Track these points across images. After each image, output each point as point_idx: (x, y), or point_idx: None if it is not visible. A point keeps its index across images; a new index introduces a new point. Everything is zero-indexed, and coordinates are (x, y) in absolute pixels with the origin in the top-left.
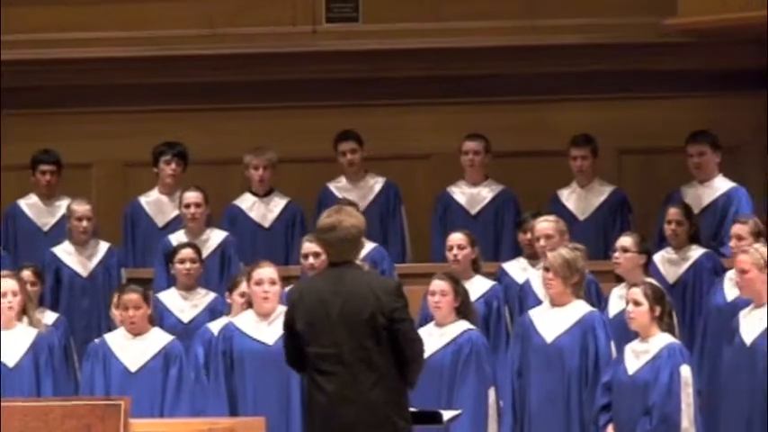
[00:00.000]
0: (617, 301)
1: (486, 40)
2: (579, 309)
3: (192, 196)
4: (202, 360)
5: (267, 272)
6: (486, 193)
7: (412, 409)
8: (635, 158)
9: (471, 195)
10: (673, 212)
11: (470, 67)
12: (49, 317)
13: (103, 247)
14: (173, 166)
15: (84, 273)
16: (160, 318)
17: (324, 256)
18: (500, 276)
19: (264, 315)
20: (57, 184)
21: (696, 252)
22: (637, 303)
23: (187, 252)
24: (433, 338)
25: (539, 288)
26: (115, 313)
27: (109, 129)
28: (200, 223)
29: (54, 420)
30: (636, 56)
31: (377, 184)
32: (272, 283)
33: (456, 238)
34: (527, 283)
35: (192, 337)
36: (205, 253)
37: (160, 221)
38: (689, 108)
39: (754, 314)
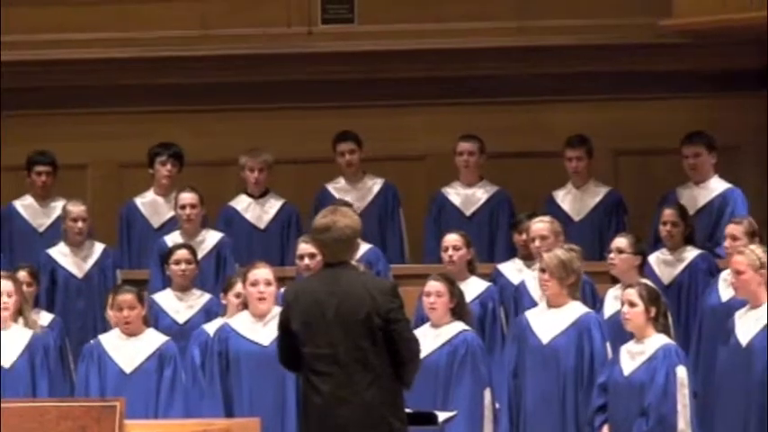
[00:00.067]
0: (612, 302)
1: (482, 41)
2: (575, 310)
3: (187, 197)
4: (199, 362)
5: (263, 272)
6: (480, 194)
7: (407, 410)
8: (631, 159)
9: (466, 196)
10: (668, 213)
11: (466, 68)
12: (45, 318)
13: (99, 248)
14: (168, 167)
15: (79, 274)
16: (155, 319)
17: (319, 257)
18: (495, 277)
19: (260, 316)
20: (52, 185)
21: (691, 253)
22: (632, 304)
23: (182, 253)
24: (429, 339)
25: (534, 289)
26: (110, 314)
27: (104, 130)
28: (195, 224)
29: (49, 422)
30: (631, 57)
31: (375, 185)
32: (268, 283)
33: (451, 239)
34: (522, 284)
35: (187, 338)
36: (200, 254)
37: (155, 222)
38: (684, 109)
39: (750, 315)
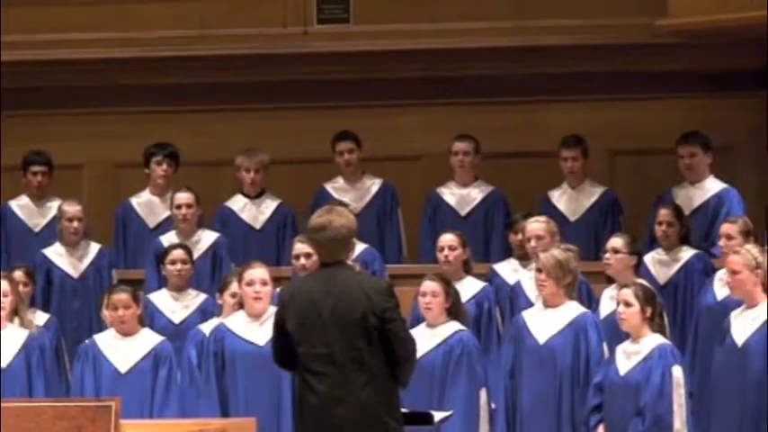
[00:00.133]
0: (608, 302)
1: (477, 41)
2: (572, 310)
3: (183, 197)
4: (196, 362)
5: (258, 272)
6: (475, 193)
7: (403, 410)
8: (627, 159)
9: (461, 196)
10: (663, 213)
11: (462, 68)
12: (41, 318)
13: (94, 248)
14: (164, 167)
15: (75, 274)
16: (151, 319)
17: (315, 257)
18: (491, 277)
19: (256, 316)
20: (48, 185)
21: (687, 253)
22: (628, 304)
23: (178, 253)
24: (424, 339)
25: (530, 289)
26: (106, 314)
27: (100, 129)
28: (191, 224)
29: (45, 422)
30: (627, 57)
31: (374, 185)
32: (264, 283)
33: (447, 239)
34: (518, 284)
35: (183, 338)
36: (196, 254)
37: (151, 222)
38: (680, 109)
39: (746, 315)
